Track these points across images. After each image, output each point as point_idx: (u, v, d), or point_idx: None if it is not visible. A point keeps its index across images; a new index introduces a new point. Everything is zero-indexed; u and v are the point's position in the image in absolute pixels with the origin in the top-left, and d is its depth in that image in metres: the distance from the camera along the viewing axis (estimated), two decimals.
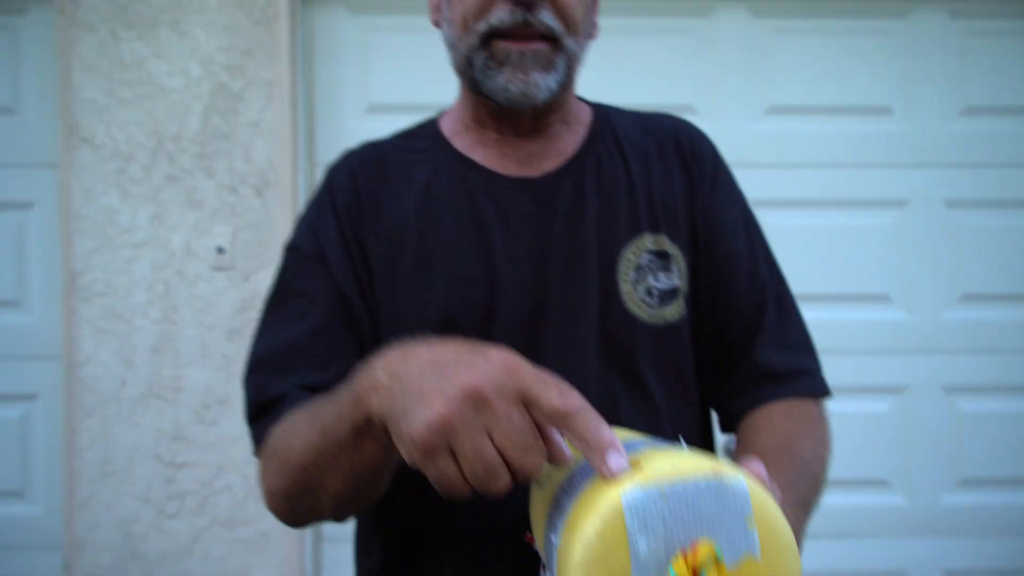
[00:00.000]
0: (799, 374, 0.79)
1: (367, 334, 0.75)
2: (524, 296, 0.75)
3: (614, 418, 0.72)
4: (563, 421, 0.44)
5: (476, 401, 0.44)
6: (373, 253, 0.76)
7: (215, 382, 2.06)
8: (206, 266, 2.06)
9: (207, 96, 2.06)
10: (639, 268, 0.76)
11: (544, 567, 0.52)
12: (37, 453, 2.19)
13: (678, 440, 0.73)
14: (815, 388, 0.80)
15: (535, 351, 0.72)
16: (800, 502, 0.64)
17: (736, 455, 0.74)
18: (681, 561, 0.40)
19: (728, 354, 0.80)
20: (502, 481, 0.44)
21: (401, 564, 0.77)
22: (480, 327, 0.74)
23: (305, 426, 0.62)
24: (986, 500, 2.22)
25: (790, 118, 2.18)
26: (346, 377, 0.64)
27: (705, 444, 0.83)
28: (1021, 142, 2.19)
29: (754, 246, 0.83)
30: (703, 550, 0.40)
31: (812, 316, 2.40)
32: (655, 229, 0.78)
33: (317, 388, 0.69)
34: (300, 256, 0.78)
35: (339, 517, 0.66)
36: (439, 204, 0.77)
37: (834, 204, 2.19)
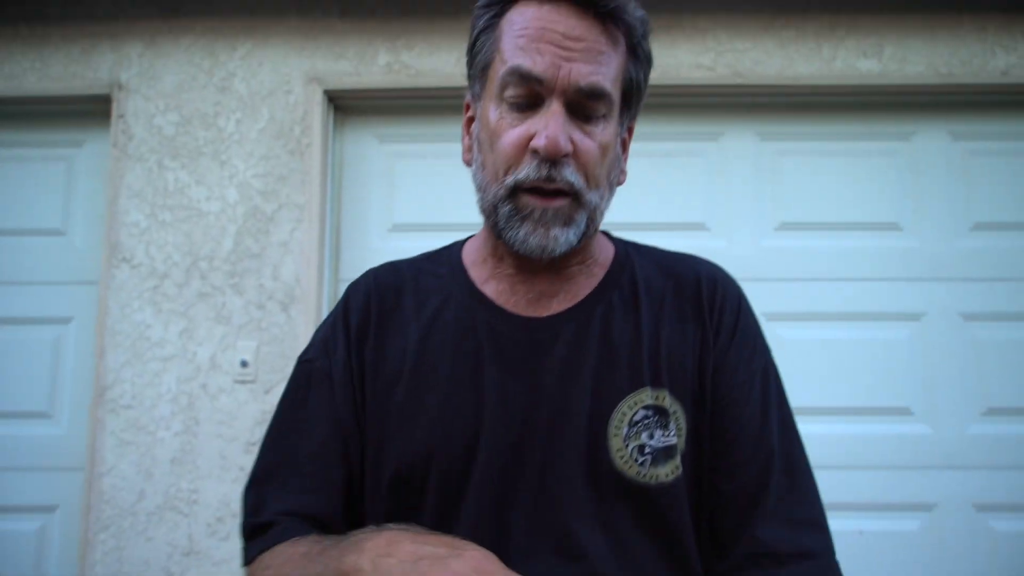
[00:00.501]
0: (803, 557, 0.71)
1: (356, 463, 0.77)
2: (507, 438, 0.73)
3: None
4: None
5: None
6: (371, 383, 0.78)
7: (232, 495, 2.05)
8: (229, 379, 2.11)
9: (241, 219, 2.18)
10: (633, 423, 0.73)
11: None
12: (50, 567, 2.17)
13: None
14: (819, 575, 0.72)
15: (511, 496, 0.72)
16: None
17: None
18: None
19: (727, 525, 0.74)
20: None
21: None
22: (460, 464, 0.73)
23: (294, 571, 0.67)
24: None
25: (801, 234, 2.24)
26: (333, 504, 0.75)
27: None
28: None
29: (767, 409, 0.77)
30: None
31: (832, 430, 2.31)
32: (657, 384, 0.74)
33: (306, 514, 0.75)
34: (311, 370, 0.81)
35: None
36: (441, 338, 0.78)
37: (849, 317, 2.20)
